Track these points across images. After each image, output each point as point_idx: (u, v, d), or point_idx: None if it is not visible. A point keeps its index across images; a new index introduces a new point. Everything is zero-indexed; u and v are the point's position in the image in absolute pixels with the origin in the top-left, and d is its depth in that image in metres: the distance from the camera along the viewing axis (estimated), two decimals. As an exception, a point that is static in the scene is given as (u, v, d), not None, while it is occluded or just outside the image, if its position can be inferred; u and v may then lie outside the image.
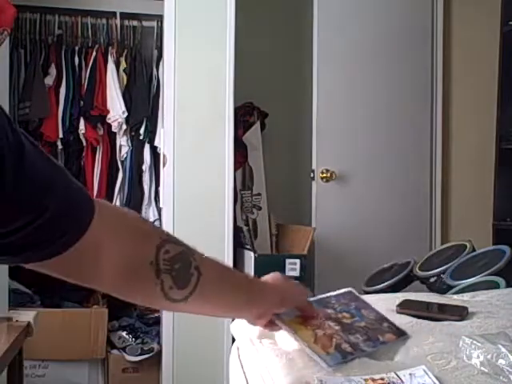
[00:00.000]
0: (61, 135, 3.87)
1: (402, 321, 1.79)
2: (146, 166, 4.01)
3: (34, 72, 3.85)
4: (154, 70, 4.07)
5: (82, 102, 3.91)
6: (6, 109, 3.48)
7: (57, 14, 3.98)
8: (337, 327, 1.55)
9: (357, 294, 1.77)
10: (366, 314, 1.66)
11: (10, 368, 2.20)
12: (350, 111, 3.88)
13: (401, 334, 1.64)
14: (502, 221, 3.74)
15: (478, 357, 1.45)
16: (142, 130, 3.97)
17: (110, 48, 4.01)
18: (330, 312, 1.60)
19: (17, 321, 2.29)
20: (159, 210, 3.84)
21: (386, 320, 1.68)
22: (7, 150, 0.73)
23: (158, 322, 3.74)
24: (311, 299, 1.63)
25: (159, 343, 3.59)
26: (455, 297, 2.28)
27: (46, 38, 3.97)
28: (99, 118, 3.91)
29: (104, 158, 3.95)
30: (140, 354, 3.66)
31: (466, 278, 2.75)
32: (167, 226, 3.38)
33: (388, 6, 3.94)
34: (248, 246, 3.56)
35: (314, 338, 1.47)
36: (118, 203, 3.98)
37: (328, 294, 1.70)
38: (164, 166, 3.40)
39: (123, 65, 4.02)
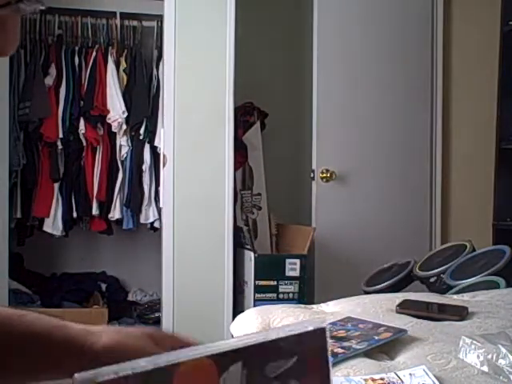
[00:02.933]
0: (61, 135, 3.87)
1: (402, 321, 1.79)
2: (146, 166, 4.00)
3: (34, 72, 3.85)
4: (154, 69, 4.07)
5: (81, 102, 3.91)
6: (6, 109, 3.48)
7: (57, 14, 3.98)
8: (330, 341, 1.56)
9: (357, 317, 1.78)
10: (363, 327, 1.67)
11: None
12: (350, 111, 3.88)
13: (397, 331, 1.64)
14: (502, 221, 3.74)
15: (478, 357, 1.45)
16: (142, 130, 3.97)
17: (110, 48, 4.01)
18: None
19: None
20: (159, 210, 3.84)
21: (383, 325, 1.68)
22: None
23: (158, 322, 3.74)
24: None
25: (159, 343, 3.59)
26: (455, 297, 2.28)
27: (46, 37, 3.97)
28: (99, 117, 3.90)
29: (104, 158, 3.95)
30: (140, 354, 3.66)
31: (466, 278, 2.75)
32: (167, 226, 3.39)
33: (387, 5, 3.94)
34: (248, 246, 3.56)
35: None
36: (117, 203, 3.98)
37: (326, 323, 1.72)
38: (164, 166, 3.40)
39: (123, 65, 4.02)
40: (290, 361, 0.55)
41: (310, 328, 0.57)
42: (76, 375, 0.48)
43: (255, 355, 0.54)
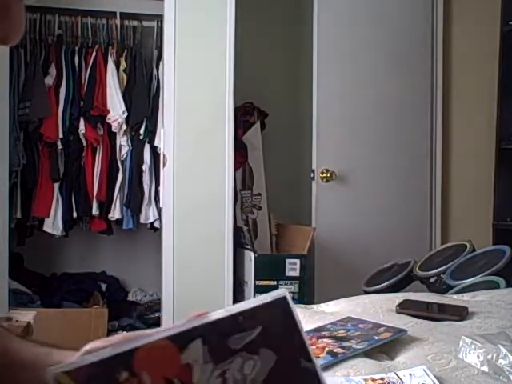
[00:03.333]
0: (61, 135, 3.86)
1: (402, 321, 1.79)
2: (146, 166, 4.00)
3: (34, 72, 3.85)
4: (154, 69, 4.07)
5: (81, 102, 3.91)
6: (6, 109, 3.48)
7: (57, 14, 3.98)
8: (330, 341, 1.56)
9: (357, 317, 1.78)
10: (363, 327, 1.67)
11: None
12: (350, 111, 3.88)
13: (397, 331, 1.64)
14: (502, 221, 3.74)
15: (478, 357, 1.45)
16: (142, 130, 3.97)
17: (110, 48, 4.01)
18: (324, 333, 1.61)
19: (17, 321, 2.29)
20: (159, 210, 3.84)
21: (383, 325, 1.68)
22: None
23: (157, 322, 3.74)
24: (307, 329, 1.64)
25: (159, 343, 3.59)
26: (455, 297, 2.28)
27: (46, 37, 3.97)
28: (99, 117, 3.90)
29: (104, 158, 3.95)
30: (140, 354, 3.66)
31: (466, 278, 2.75)
32: (167, 226, 3.38)
33: (387, 5, 3.94)
34: (248, 246, 3.56)
35: None
36: (117, 203, 3.98)
37: (326, 323, 1.72)
38: (164, 166, 3.40)
39: (123, 65, 4.02)
40: (254, 332, 0.58)
41: (269, 299, 0.60)
42: (47, 368, 0.53)
43: (213, 331, 0.58)
